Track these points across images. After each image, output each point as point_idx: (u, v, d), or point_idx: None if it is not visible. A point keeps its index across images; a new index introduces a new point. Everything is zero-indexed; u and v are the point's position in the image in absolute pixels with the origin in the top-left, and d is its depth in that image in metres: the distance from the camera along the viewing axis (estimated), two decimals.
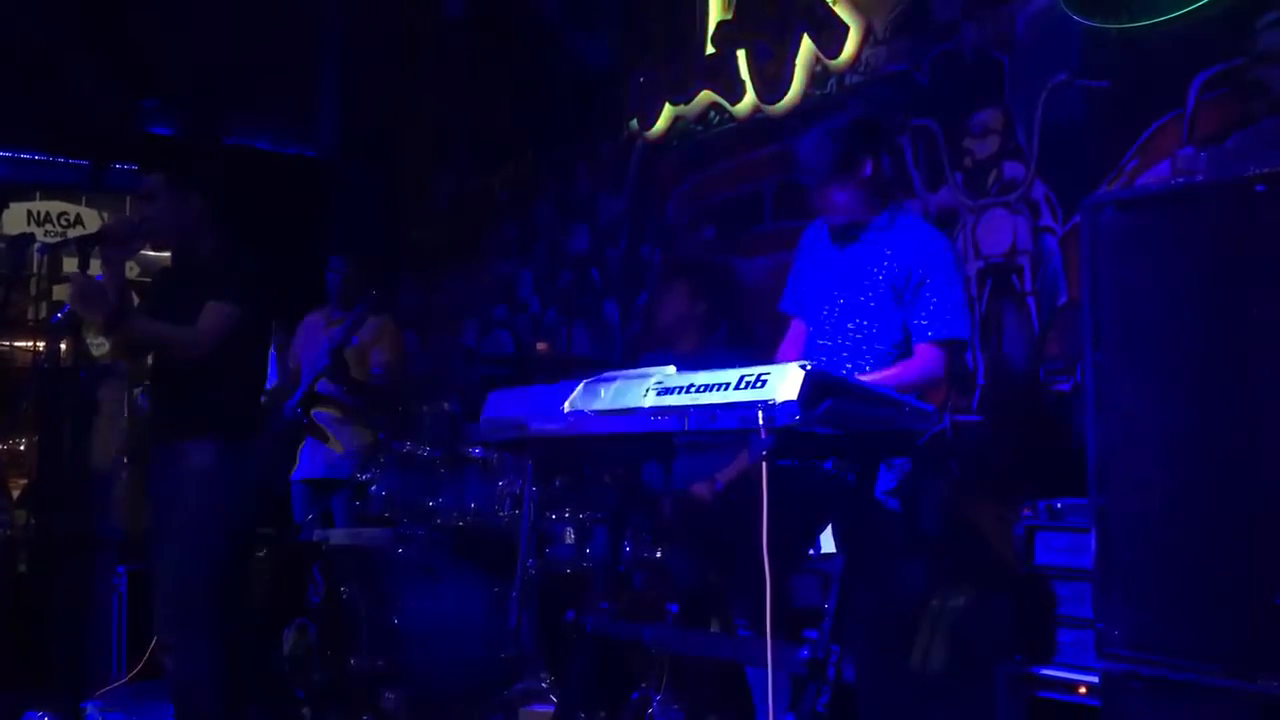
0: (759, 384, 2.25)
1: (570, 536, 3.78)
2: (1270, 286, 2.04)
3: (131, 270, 5.49)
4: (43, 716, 4.15)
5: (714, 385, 2.34)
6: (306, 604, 3.98)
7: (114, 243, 3.41)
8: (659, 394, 2.45)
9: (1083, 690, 2.79)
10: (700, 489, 3.70)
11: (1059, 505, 2.97)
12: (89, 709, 4.31)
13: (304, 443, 5.11)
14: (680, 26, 5.35)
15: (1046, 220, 3.89)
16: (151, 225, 3.44)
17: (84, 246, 3.34)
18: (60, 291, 4.40)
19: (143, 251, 4.73)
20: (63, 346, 4.56)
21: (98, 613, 5.08)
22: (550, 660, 3.64)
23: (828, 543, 3.58)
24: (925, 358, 3.00)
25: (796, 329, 3.30)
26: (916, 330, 3.01)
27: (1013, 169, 4.00)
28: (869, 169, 3.07)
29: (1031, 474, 3.69)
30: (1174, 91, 3.48)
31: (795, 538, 3.16)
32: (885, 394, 2.51)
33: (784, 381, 2.21)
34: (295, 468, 5.11)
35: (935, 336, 2.99)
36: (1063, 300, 3.81)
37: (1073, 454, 3.19)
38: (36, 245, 3.57)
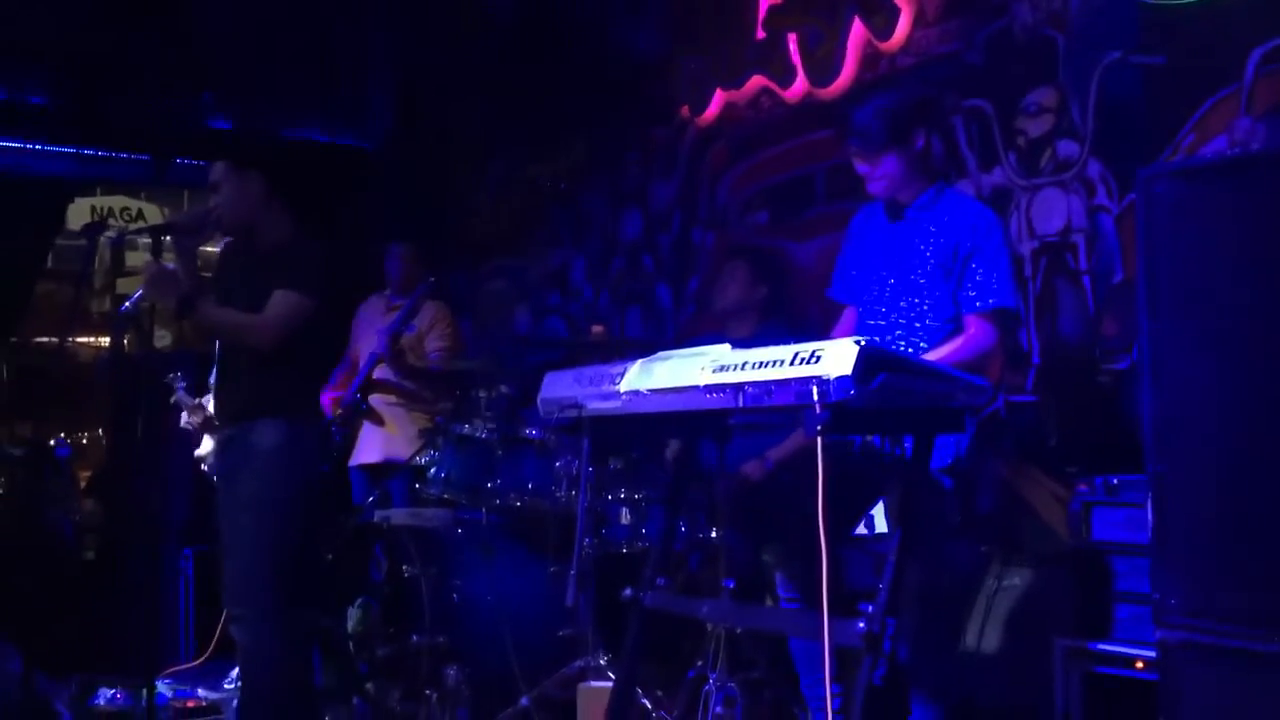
0: (813, 360, 2.27)
1: (626, 516, 3.83)
2: None
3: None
4: (115, 693, 4.28)
5: (769, 362, 2.36)
6: (370, 582, 4.07)
7: (186, 231, 3.49)
8: (714, 371, 2.48)
9: (1140, 665, 2.79)
10: (751, 468, 3.74)
11: (1115, 481, 2.97)
12: (160, 686, 4.43)
13: (362, 428, 5.19)
14: (731, 11, 5.36)
15: (1101, 199, 3.87)
16: (219, 214, 3.52)
17: (156, 235, 3.43)
18: (124, 285, 4.52)
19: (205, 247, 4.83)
20: (126, 339, 4.67)
21: (166, 594, 5.21)
22: (607, 638, 3.69)
23: (878, 521, 3.60)
24: (976, 330, 3.01)
25: (847, 316, 3.32)
26: (965, 302, 3.02)
27: (1067, 148, 3.98)
28: (920, 143, 3.08)
29: (1087, 452, 3.67)
30: (1231, 66, 3.45)
31: (846, 514, 3.18)
32: (940, 369, 2.53)
33: (838, 357, 2.23)
34: (354, 453, 5.20)
35: (984, 307, 3.00)
36: (1118, 279, 3.79)
37: (1128, 432, 3.18)
38: (110, 234, 3.66)
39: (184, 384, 4.88)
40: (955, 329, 3.06)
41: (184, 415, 4.89)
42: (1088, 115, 3.92)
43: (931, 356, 2.94)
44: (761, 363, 2.38)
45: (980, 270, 3.00)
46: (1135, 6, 3.71)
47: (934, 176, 3.17)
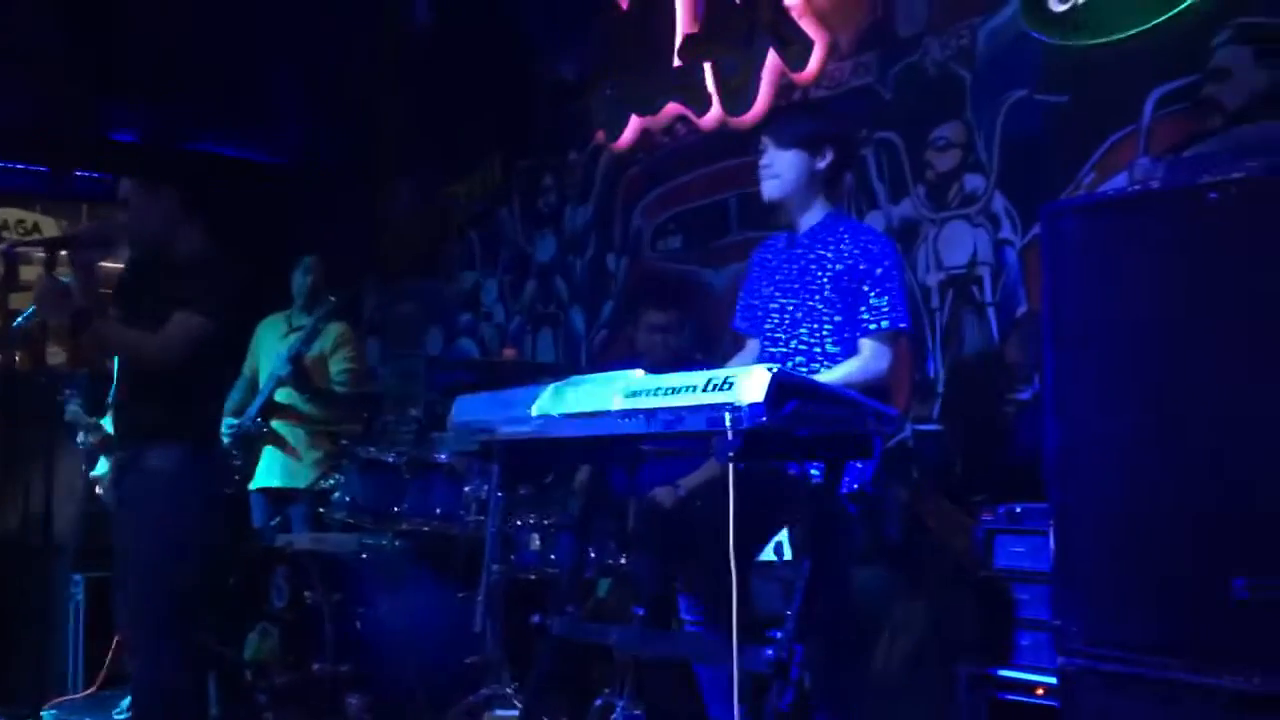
0: (725, 386, 2.27)
1: (535, 542, 3.79)
2: (1223, 290, 2.10)
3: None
4: None
5: (681, 388, 2.36)
6: (270, 608, 3.96)
7: (87, 245, 3.39)
8: (627, 396, 2.46)
9: (1041, 691, 2.83)
10: (663, 493, 3.73)
11: (1018, 509, 3.02)
12: (46, 717, 4.26)
13: (262, 451, 5.07)
14: (648, 39, 5.39)
15: (1006, 233, 3.96)
16: (126, 231, 3.42)
17: (52, 248, 3.32)
18: (16, 300, 4.36)
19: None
20: (17, 356, 4.51)
21: (55, 622, 5.03)
22: (514, 665, 3.64)
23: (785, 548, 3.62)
24: (869, 352, 3.04)
25: (750, 346, 3.35)
26: (860, 325, 3.06)
27: (973, 182, 4.07)
28: (825, 162, 3.13)
29: (990, 481, 3.74)
30: (1130, 107, 3.56)
31: (753, 539, 3.19)
32: (850, 397, 2.54)
33: (750, 383, 2.23)
34: (253, 476, 5.07)
35: (877, 330, 3.04)
36: (1022, 310, 3.88)
37: (1031, 461, 3.25)
38: (4, 246, 3.52)
39: (79, 402, 4.72)
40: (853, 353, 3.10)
41: (80, 435, 4.73)
42: (993, 151, 4.01)
43: (825, 378, 2.96)
44: (674, 389, 2.37)
45: (874, 293, 3.05)
46: (1040, 47, 3.82)
47: (832, 203, 3.22)
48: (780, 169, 3.15)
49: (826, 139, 3.13)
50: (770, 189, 3.19)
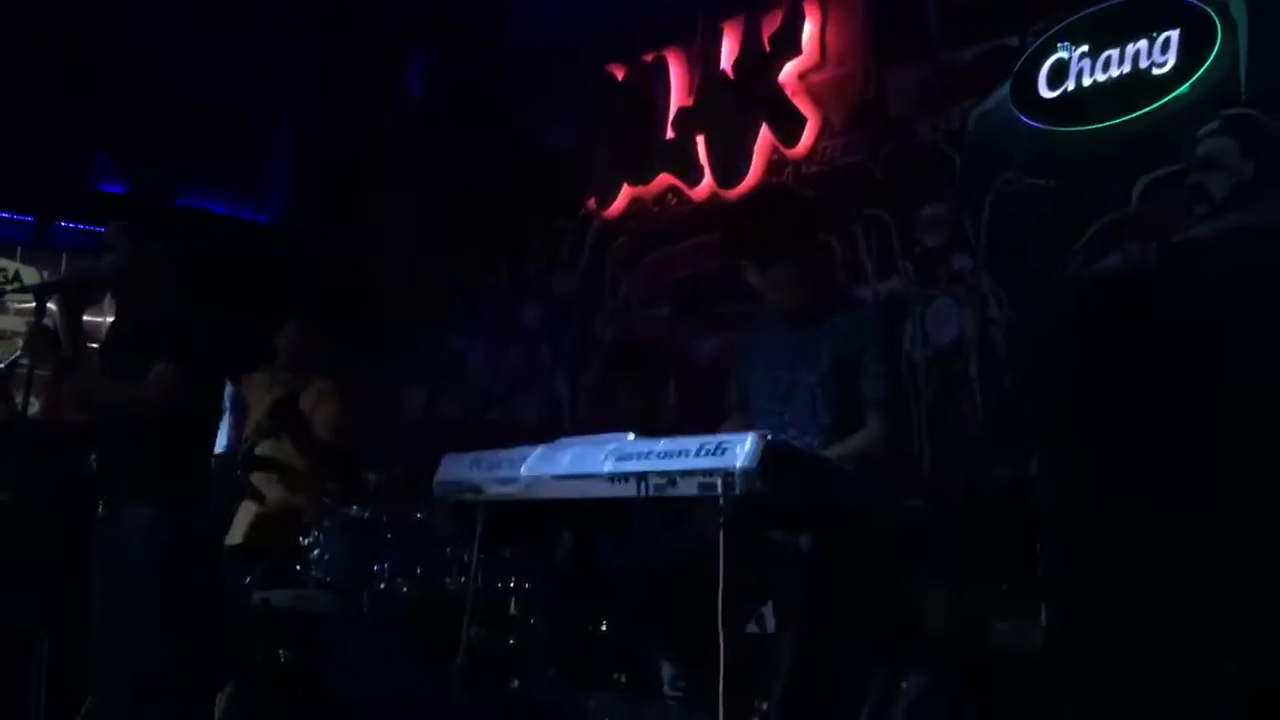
0: (718, 452, 2.28)
1: (516, 606, 3.75)
2: (1218, 370, 2.13)
3: None
4: None
5: (673, 452, 2.36)
6: (243, 666, 3.89)
7: (73, 291, 3.36)
8: (618, 460, 2.47)
9: None
10: (645, 557, 3.70)
11: (1005, 586, 3.02)
12: None
13: (239, 509, 5.01)
14: (641, 110, 5.47)
15: (993, 312, 4.00)
16: (108, 274, 3.40)
17: (41, 294, 3.29)
18: None
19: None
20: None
21: (17, 681, 4.91)
22: None
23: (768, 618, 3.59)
24: (867, 423, 3.04)
25: (743, 415, 3.35)
26: (855, 397, 3.07)
27: (961, 260, 4.12)
28: (807, 253, 3.15)
29: (975, 558, 3.73)
30: (1117, 192, 3.63)
31: (740, 609, 3.16)
32: (842, 467, 2.55)
33: (743, 450, 2.24)
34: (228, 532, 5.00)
35: (870, 400, 3.03)
36: (1007, 388, 3.90)
37: (1016, 539, 3.25)
38: None
39: None
40: (848, 427, 3.09)
41: None
42: (981, 230, 4.07)
43: (830, 452, 2.96)
44: (666, 453, 2.37)
45: (867, 363, 3.06)
46: (1028, 131, 3.90)
47: (826, 279, 3.25)
48: (773, 285, 3.16)
49: (791, 237, 3.12)
50: (778, 301, 3.21)
